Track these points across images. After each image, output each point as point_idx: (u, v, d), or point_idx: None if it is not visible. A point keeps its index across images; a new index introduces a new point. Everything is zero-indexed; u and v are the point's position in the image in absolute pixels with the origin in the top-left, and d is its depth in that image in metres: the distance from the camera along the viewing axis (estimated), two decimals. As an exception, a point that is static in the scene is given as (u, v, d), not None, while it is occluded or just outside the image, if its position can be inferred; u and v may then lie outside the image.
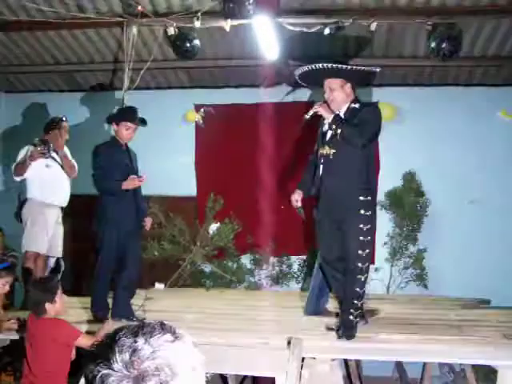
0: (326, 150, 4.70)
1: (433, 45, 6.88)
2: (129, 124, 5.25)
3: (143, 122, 5.38)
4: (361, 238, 4.52)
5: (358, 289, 4.53)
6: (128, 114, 5.33)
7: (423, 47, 7.74)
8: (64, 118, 6.20)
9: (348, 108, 4.72)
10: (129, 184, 5.11)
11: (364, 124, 4.51)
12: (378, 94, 8.69)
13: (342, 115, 4.66)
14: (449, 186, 8.57)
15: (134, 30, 7.36)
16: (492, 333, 4.70)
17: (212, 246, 8.59)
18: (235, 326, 5.07)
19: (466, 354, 3.94)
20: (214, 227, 8.63)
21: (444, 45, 6.82)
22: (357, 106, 4.72)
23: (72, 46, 8.45)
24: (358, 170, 4.59)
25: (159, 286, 8.10)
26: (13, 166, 6.01)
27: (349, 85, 4.72)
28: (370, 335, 4.52)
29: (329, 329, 4.66)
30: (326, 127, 4.80)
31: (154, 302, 6.25)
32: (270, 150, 7.96)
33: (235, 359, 3.79)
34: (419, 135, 8.74)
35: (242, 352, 3.91)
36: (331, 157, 4.65)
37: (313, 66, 4.71)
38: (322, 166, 4.76)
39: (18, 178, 6.01)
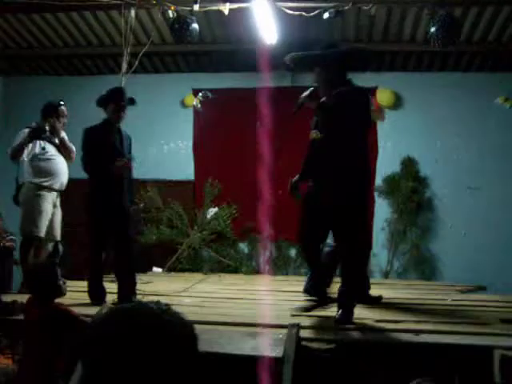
0: (315, 135, 4.73)
1: (432, 30, 6.83)
2: (117, 104, 5.24)
3: (131, 101, 5.37)
4: (355, 220, 4.49)
5: (356, 272, 4.53)
6: (115, 94, 5.33)
7: (423, 32, 7.70)
8: (62, 102, 6.18)
9: (331, 94, 4.64)
10: (116, 167, 5.10)
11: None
12: (378, 80, 8.66)
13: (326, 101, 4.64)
14: (447, 172, 8.58)
15: (132, 13, 7.31)
16: (488, 316, 4.73)
17: (210, 231, 8.62)
18: (233, 309, 5.09)
19: (463, 335, 3.97)
20: (211, 212, 8.65)
21: (444, 30, 6.77)
22: (340, 90, 4.61)
23: (69, 29, 8.39)
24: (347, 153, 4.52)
25: (157, 269, 8.12)
26: (9, 150, 5.98)
27: (333, 70, 4.66)
28: (367, 319, 4.54)
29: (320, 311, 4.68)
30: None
31: (152, 285, 6.27)
32: (269, 135, 7.94)
33: (232, 341, 3.81)
34: (418, 121, 8.73)
35: (239, 334, 3.93)
36: (319, 141, 4.68)
37: (297, 54, 4.75)
38: (314, 151, 4.81)
39: (14, 161, 6.01)
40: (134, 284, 5.28)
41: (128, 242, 5.28)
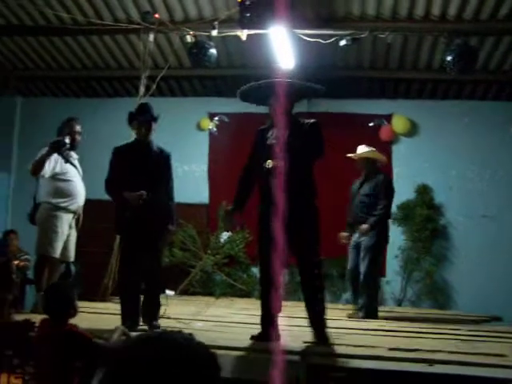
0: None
1: (448, 58, 6.86)
2: (138, 120, 5.11)
3: (152, 117, 5.14)
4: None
5: (321, 298, 4.62)
6: (138, 111, 5.23)
7: (439, 60, 7.73)
8: (73, 118, 6.15)
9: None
10: (130, 198, 4.91)
11: None
12: (393, 107, 8.68)
13: None
14: (462, 200, 8.54)
15: (151, 37, 7.41)
16: (503, 347, 4.66)
17: (223, 255, 8.60)
18: (244, 334, 5.05)
19: (477, 367, 3.90)
20: (225, 235, 8.63)
21: (459, 58, 6.79)
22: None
23: (88, 52, 8.52)
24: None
25: (169, 292, 8.10)
26: (29, 165, 5.87)
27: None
28: (380, 347, 4.49)
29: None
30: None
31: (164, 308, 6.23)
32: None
33: (243, 366, 3.79)
34: (433, 148, 8.72)
35: (251, 359, 3.91)
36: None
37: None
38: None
39: (35, 176, 5.92)
40: (159, 307, 5.16)
41: (158, 264, 5.22)
